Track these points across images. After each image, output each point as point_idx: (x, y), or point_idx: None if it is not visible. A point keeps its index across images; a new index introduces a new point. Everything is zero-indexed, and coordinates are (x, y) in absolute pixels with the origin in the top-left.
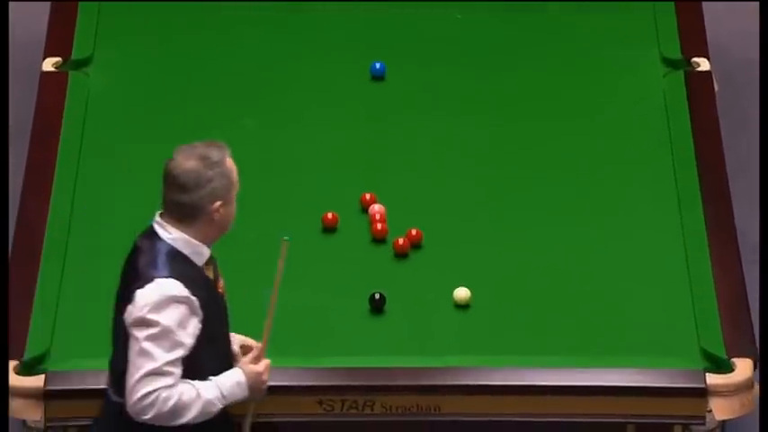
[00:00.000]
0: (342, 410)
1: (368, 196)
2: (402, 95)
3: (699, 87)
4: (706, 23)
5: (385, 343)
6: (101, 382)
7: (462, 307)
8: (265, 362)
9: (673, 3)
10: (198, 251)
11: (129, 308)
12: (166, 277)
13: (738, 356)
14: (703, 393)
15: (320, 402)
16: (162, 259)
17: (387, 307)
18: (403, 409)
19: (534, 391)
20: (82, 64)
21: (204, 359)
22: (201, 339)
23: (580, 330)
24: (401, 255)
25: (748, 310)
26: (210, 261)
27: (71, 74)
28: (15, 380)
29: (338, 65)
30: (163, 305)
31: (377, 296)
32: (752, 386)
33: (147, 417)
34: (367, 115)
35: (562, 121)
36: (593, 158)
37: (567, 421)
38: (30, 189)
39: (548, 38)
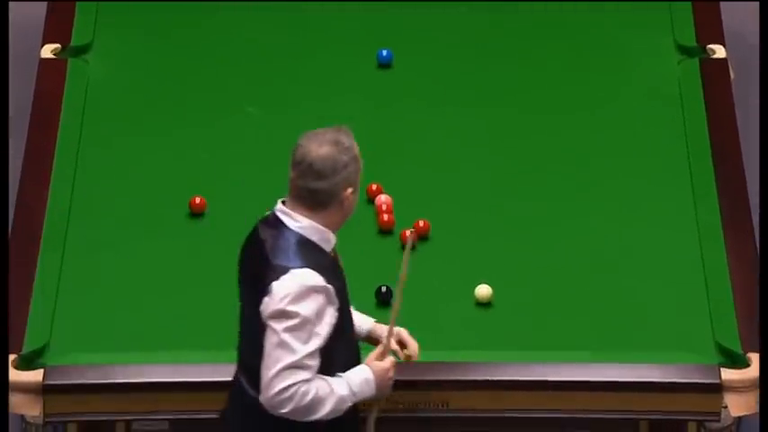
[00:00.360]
0: None
1: (374, 187)
2: (409, 84)
3: (714, 75)
4: (722, 9)
5: None
6: (100, 377)
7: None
8: (391, 359)
9: None
10: (326, 238)
11: (266, 300)
12: (301, 267)
13: (754, 351)
14: (718, 389)
15: None
16: (294, 249)
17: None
18: (411, 404)
19: (545, 386)
20: (81, 51)
21: (335, 351)
22: (336, 329)
23: (592, 325)
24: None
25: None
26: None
27: (70, 61)
28: (14, 374)
29: (345, 53)
30: (302, 296)
31: (383, 289)
32: None
33: (284, 410)
34: (374, 104)
35: (574, 112)
36: (605, 149)
37: (579, 417)
38: (29, 176)
39: (561, 26)
